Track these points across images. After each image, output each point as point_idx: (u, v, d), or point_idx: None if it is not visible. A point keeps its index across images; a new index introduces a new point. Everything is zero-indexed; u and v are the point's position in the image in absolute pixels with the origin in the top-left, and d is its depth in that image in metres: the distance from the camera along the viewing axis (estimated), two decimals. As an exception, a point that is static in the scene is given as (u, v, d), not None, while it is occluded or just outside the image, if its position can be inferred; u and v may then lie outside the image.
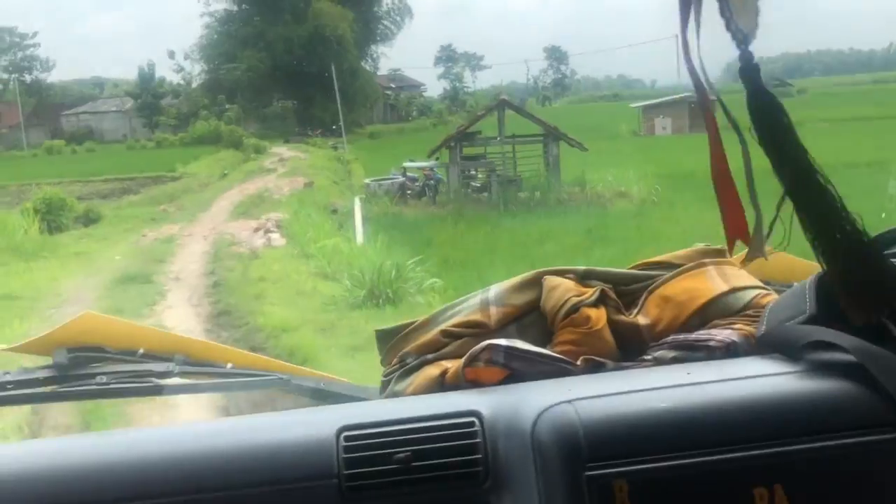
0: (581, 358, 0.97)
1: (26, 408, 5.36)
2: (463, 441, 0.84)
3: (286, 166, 29.56)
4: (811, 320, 0.87)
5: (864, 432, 0.78)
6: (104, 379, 1.18)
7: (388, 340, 1.15)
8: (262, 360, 1.35)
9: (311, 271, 10.52)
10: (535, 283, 1.08)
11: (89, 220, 17.71)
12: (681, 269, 1.09)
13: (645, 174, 19.19)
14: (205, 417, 5.20)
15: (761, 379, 0.84)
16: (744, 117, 0.78)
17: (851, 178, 17.46)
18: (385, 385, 1.12)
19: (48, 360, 1.23)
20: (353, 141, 39.25)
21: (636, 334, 1.04)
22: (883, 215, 11.01)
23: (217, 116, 47.06)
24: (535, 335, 1.04)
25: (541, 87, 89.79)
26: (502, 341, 0.97)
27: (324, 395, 1.22)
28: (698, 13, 0.74)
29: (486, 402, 0.88)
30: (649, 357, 0.99)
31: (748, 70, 0.75)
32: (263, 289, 9.49)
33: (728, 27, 0.73)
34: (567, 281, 1.07)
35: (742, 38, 0.73)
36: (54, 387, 1.20)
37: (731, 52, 0.76)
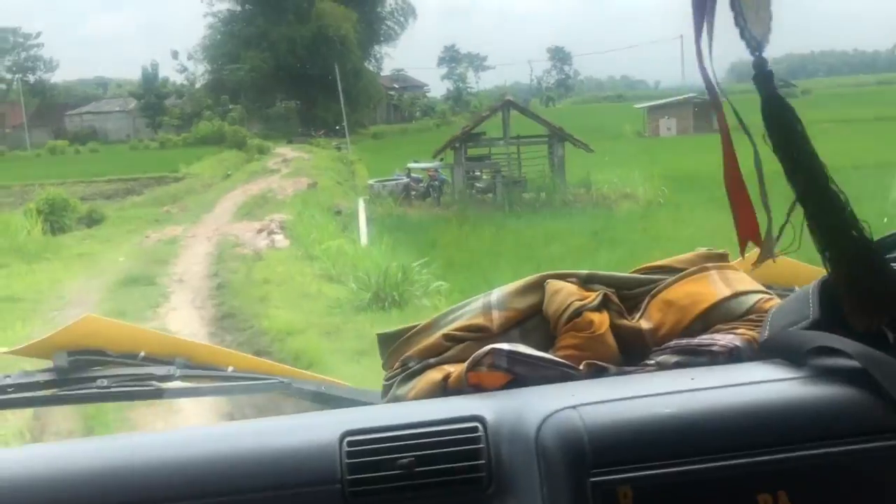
0: (584, 362, 0.97)
1: (27, 412, 5.29)
2: (466, 446, 0.83)
3: (290, 167, 29.52)
4: (814, 325, 0.87)
5: (868, 438, 0.78)
6: (105, 382, 1.18)
7: (390, 344, 1.14)
8: (264, 364, 1.35)
9: (315, 273, 10.44)
10: (538, 286, 1.08)
11: (92, 220, 17.65)
12: (683, 273, 1.09)
13: (651, 175, 19.10)
14: (206, 420, 5.15)
15: (765, 385, 0.84)
16: (749, 118, 0.77)
17: (859, 179, 17.38)
18: (387, 389, 1.11)
19: (49, 364, 1.22)
20: (357, 141, 39.21)
21: (639, 339, 1.04)
22: (885, 220, 10.91)
23: (220, 117, 47.03)
24: (538, 339, 1.04)
25: (544, 88, 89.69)
26: (505, 346, 0.96)
27: (325, 399, 1.22)
28: (711, 21, 0.74)
29: (489, 407, 0.87)
30: (652, 361, 0.99)
31: (762, 76, 0.76)
32: (268, 291, 9.40)
33: (742, 35, 0.73)
34: (570, 285, 1.07)
35: (756, 46, 0.74)
36: (55, 390, 1.19)
37: (736, 53, 0.77)
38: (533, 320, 1.06)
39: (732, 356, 0.94)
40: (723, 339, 0.97)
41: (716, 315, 1.03)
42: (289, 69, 50.39)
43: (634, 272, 1.14)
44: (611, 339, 1.02)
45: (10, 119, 56.28)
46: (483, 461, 0.83)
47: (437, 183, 19.73)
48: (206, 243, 14.24)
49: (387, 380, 1.12)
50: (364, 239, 13.25)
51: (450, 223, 15.79)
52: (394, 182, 20.08)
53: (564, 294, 1.04)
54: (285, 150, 37.63)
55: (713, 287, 1.05)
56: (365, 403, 1.16)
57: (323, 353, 6.75)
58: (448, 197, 19.41)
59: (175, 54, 59.55)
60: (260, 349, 7.12)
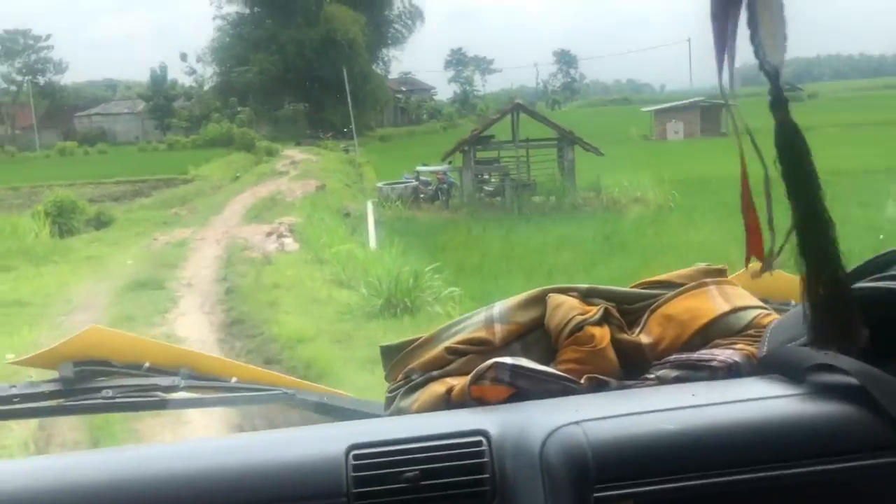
0: (585, 376, 0.98)
1: (32, 424, 5.21)
2: (471, 460, 0.84)
3: (298, 169, 29.49)
4: (840, 347, 0.87)
5: (866, 455, 0.79)
6: (110, 393, 1.18)
7: (393, 356, 1.15)
8: (267, 375, 1.35)
9: (325, 278, 10.32)
10: (540, 300, 1.09)
11: (101, 223, 17.60)
12: (682, 288, 1.10)
13: (661, 179, 18.96)
14: (211, 430, 5.08)
15: (765, 401, 0.84)
16: (753, 122, 0.80)
17: (870, 184, 17.24)
18: (390, 401, 1.12)
19: (54, 374, 1.22)
20: (364, 144, 39.19)
21: (639, 353, 1.05)
22: (881, 237, 10.77)
23: (229, 119, 47.11)
24: (539, 353, 1.05)
25: (550, 91, 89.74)
26: (508, 360, 0.97)
27: (328, 410, 1.23)
28: (733, 50, 0.77)
29: (493, 421, 0.88)
30: (652, 376, 1.00)
31: (778, 103, 0.78)
32: (277, 296, 9.29)
33: (761, 67, 0.76)
34: (571, 299, 1.08)
35: (774, 74, 0.76)
36: (60, 400, 1.20)
37: (740, 58, 0.79)
38: (534, 334, 1.07)
39: (731, 371, 0.95)
40: (722, 354, 0.98)
41: (715, 330, 1.04)
42: (297, 72, 50.44)
43: (634, 286, 1.15)
44: (612, 354, 1.03)
45: (19, 120, 56.55)
46: (487, 475, 0.83)
47: (445, 186, 19.65)
48: (214, 246, 14.15)
49: (390, 392, 1.12)
50: (373, 242, 13.15)
51: (459, 227, 15.68)
52: (402, 185, 20.00)
53: (566, 308, 1.05)
54: (293, 153, 37.67)
55: (712, 302, 1.06)
56: (368, 415, 1.17)
57: (334, 361, 6.61)
58: (457, 200, 19.33)
59: (184, 56, 59.73)
60: (270, 357, 7.01)
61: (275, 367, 6.52)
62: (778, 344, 0.93)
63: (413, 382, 1.08)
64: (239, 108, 49.50)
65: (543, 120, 20.38)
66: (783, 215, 0.84)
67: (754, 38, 0.75)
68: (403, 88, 65.14)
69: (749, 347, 0.99)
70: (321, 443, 0.88)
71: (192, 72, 59.55)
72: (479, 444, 0.85)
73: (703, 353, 0.99)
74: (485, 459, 0.84)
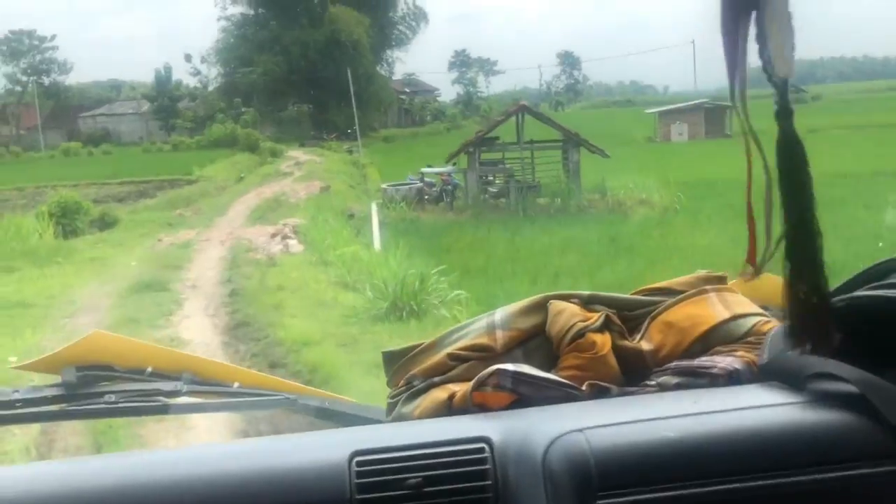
0: (586, 383, 0.98)
1: (34, 429, 5.16)
2: (473, 467, 0.84)
3: (302, 170, 29.45)
4: (813, 350, 0.88)
5: (867, 464, 0.79)
6: (113, 398, 1.18)
7: (395, 362, 1.15)
8: (269, 380, 1.36)
9: (330, 280, 10.26)
10: (541, 307, 1.09)
11: (105, 224, 17.56)
12: (683, 295, 1.10)
13: (666, 181, 18.88)
14: (214, 435, 5.03)
15: (766, 409, 0.85)
16: (757, 122, 0.81)
17: (878, 186, 17.14)
18: (392, 407, 1.11)
19: (57, 379, 1.22)
20: (368, 145, 39.17)
21: (640, 359, 1.05)
22: (880, 244, 10.68)
23: (233, 120, 47.14)
24: (541, 359, 1.05)
25: (553, 93, 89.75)
26: (510, 366, 0.97)
27: (330, 415, 1.23)
28: (744, 64, 0.78)
29: (495, 428, 0.88)
30: (653, 383, 1.00)
31: (784, 113, 0.79)
32: (282, 298, 9.22)
33: (770, 80, 0.77)
34: (572, 306, 1.08)
35: (782, 88, 0.78)
36: (63, 405, 1.20)
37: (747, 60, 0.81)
38: (536, 340, 1.08)
39: (732, 379, 0.96)
40: (722, 361, 0.98)
41: (715, 337, 1.04)
42: (301, 73, 50.44)
43: (635, 293, 1.15)
44: (613, 360, 1.03)
45: (24, 121, 56.67)
46: (490, 482, 0.84)
47: (450, 187, 19.59)
48: (219, 247, 14.10)
49: (391, 397, 1.12)
50: (377, 244, 13.10)
51: (464, 228, 15.62)
52: (407, 186, 19.94)
53: (567, 315, 1.06)
54: (297, 154, 37.66)
55: (712, 309, 1.07)
56: (370, 420, 1.17)
57: (340, 365, 6.54)
58: (461, 202, 19.28)
59: (188, 57, 59.82)
60: (275, 360, 6.94)
61: (279, 371, 6.46)
62: (778, 351, 0.93)
63: (415, 388, 1.08)
64: (243, 109, 49.52)
65: (549, 121, 20.32)
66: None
67: (763, 53, 0.76)
68: (407, 90, 65.13)
69: (749, 355, 0.99)
70: (324, 449, 0.88)
71: (197, 73, 59.70)
72: (481, 450, 0.85)
73: (704, 361, 0.99)
74: (487, 466, 0.84)
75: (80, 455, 4.65)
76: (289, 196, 21.54)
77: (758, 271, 0.86)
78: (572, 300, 1.09)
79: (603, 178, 19.04)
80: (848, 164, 20.72)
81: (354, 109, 37.22)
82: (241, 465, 0.87)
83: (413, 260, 10.31)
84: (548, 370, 1.02)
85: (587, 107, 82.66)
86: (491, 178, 19.90)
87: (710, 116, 38.14)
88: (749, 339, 1.03)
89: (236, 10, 56.21)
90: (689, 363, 1.00)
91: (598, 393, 0.98)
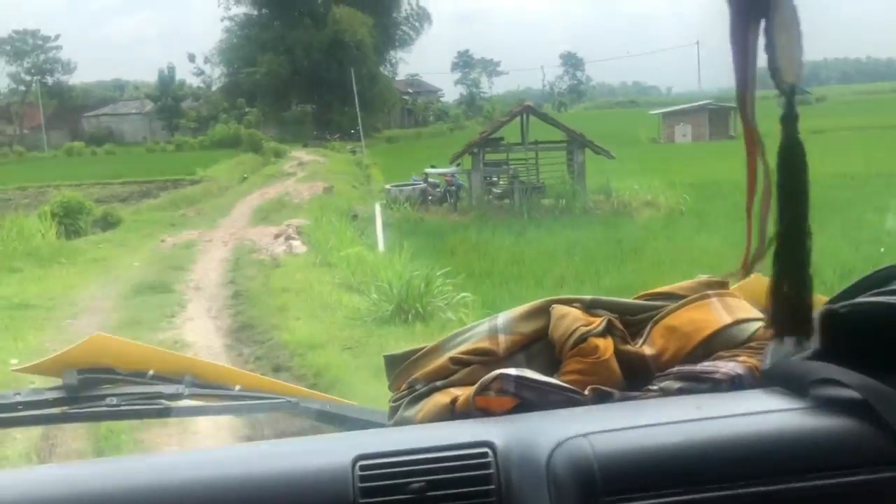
0: (589, 388, 0.98)
1: (35, 434, 5.08)
2: (477, 472, 0.84)
3: (305, 170, 29.39)
4: (816, 355, 0.89)
5: (870, 470, 0.79)
6: (114, 400, 1.18)
7: (397, 366, 1.15)
8: (271, 383, 1.36)
9: (334, 282, 10.16)
10: (543, 311, 1.09)
11: (108, 224, 17.50)
12: (685, 300, 1.10)
13: (672, 183, 18.78)
14: (216, 438, 4.98)
15: (769, 415, 0.85)
16: (761, 123, 0.83)
17: (888, 188, 17.03)
18: (394, 410, 1.11)
19: (58, 382, 1.23)
20: (371, 145, 39.13)
21: (642, 364, 1.05)
22: (882, 250, 10.58)
23: (236, 120, 47.11)
24: (542, 363, 1.06)
25: (556, 93, 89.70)
26: (513, 371, 0.97)
27: (331, 419, 1.23)
28: (754, 72, 0.79)
29: (498, 433, 0.88)
30: (655, 387, 1.00)
31: (789, 119, 0.81)
32: (286, 300, 9.13)
33: (778, 87, 0.78)
34: (575, 310, 1.08)
35: (790, 94, 0.79)
36: (64, 408, 1.20)
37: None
38: (538, 344, 1.08)
39: (734, 384, 0.96)
40: (725, 366, 0.98)
41: (717, 342, 1.04)
42: (305, 73, 50.40)
43: (636, 298, 1.16)
44: (615, 365, 1.03)
45: (28, 120, 56.70)
46: (493, 486, 0.83)
47: (454, 188, 19.52)
48: (222, 248, 14.03)
49: (393, 401, 1.12)
50: (381, 245, 13.01)
51: (468, 229, 15.52)
52: (411, 187, 19.87)
53: (570, 319, 1.06)
54: (301, 154, 37.62)
55: (715, 314, 1.07)
56: (372, 424, 1.17)
57: (345, 369, 6.45)
58: (465, 202, 19.20)
59: (192, 57, 59.91)
60: (279, 364, 6.86)
61: (284, 374, 6.37)
62: (781, 357, 0.94)
63: (417, 392, 1.08)
64: (246, 109, 49.49)
65: (554, 122, 20.23)
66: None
67: (772, 62, 0.77)
68: (410, 90, 65.07)
69: (752, 360, 0.99)
70: (327, 453, 0.88)
71: (200, 72, 59.73)
72: (484, 455, 0.85)
73: (706, 365, 0.99)
74: (491, 471, 0.84)
75: (80, 459, 4.56)
76: (292, 196, 21.47)
77: (748, 271, 0.88)
78: (574, 305, 1.09)
79: (608, 180, 18.95)
80: (854, 166, 20.61)
81: (358, 110, 37.15)
82: (244, 468, 0.86)
83: (418, 261, 10.22)
84: (550, 374, 1.02)
85: (590, 107, 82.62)
86: (495, 178, 19.82)
87: (714, 117, 38.06)
88: (751, 344, 1.03)
89: (240, 10, 56.25)
90: (691, 368, 1.00)
91: (601, 398, 0.98)
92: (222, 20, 57.18)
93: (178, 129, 53.03)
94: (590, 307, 1.10)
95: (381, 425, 1.13)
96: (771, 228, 0.84)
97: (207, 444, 4.97)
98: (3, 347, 7.53)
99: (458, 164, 20.10)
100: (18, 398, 1.20)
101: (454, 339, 1.12)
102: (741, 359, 1.00)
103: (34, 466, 3.49)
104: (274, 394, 1.27)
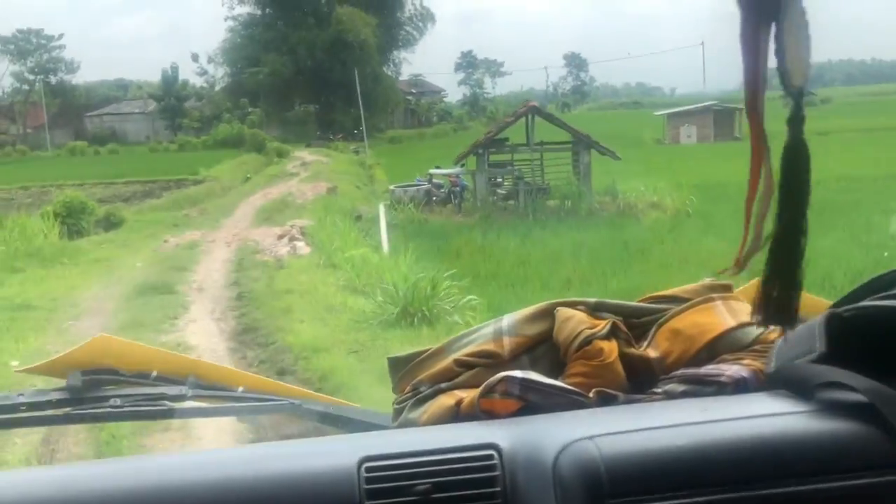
0: (593, 390, 0.98)
1: (35, 440, 4.98)
2: (482, 474, 0.84)
3: (308, 171, 29.29)
4: (821, 359, 0.89)
5: (875, 473, 0.79)
6: (118, 402, 1.18)
7: (401, 368, 1.15)
8: (274, 385, 1.35)
9: (339, 284, 10.06)
10: (548, 314, 1.09)
11: (110, 224, 17.41)
12: (689, 303, 1.10)
13: (678, 184, 18.67)
14: (219, 442, 4.93)
15: (775, 418, 0.85)
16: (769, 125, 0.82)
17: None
18: (398, 412, 1.11)
19: (62, 383, 1.22)
20: (374, 146, 39.04)
21: (646, 367, 1.05)
22: (886, 254, 10.47)
23: (240, 120, 47.05)
24: (547, 366, 1.06)
25: (560, 94, 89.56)
26: (518, 373, 0.97)
27: (334, 420, 1.22)
28: (765, 73, 0.79)
29: (503, 435, 0.88)
30: (659, 390, 1.00)
31: (796, 120, 0.80)
32: (290, 302, 9.02)
33: (786, 89, 0.78)
34: (579, 313, 1.08)
35: (797, 96, 0.79)
36: (67, 409, 1.19)
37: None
38: (542, 347, 1.08)
39: (739, 387, 0.96)
40: (729, 369, 0.98)
41: (722, 345, 1.04)
42: (308, 73, 50.33)
43: (641, 301, 1.15)
44: (619, 368, 1.03)
45: (31, 119, 56.72)
46: (499, 489, 0.83)
47: (458, 189, 19.42)
48: (225, 249, 13.93)
49: (397, 403, 1.12)
50: (385, 246, 12.92)
51: (473, 231, 15.42)
52: (415, 188, 19.76)
53: (575, 322, 1.06)
54: (303, 154, 37.52)
55: (719, 317, 1.07)
56: (375, 426, 1.16)
57: (351, 373, 6.34)
58: (469, 203, 19.09)
59: (195, 57, 59.88)
60: (283, 368, 6.75)
61: (288, 378, 6.26)
62: (786, 360, 0.94)
63: (421, 394, 1.07)
64: (250, 109, 49.45)
65: (559, 123, 20.09)
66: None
67: (781, 65, 0.78)
68: (413, 90, 64.97)
69: (756, 363, 0.99)
70: (333, 455, 0.88)
71: (204, 72, 59.69)
72: (490, 457, 0.85)
73: (711, 369, 0.99)
74: (496, 473, 0.84)
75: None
76: (295, 197, 21.38)
77: (741, 267, 0.88)
78: (579, 307, 1.09)
79: (613, 181, 18.82)
80: (861, 168, 20.49)
81: (361, 110, 37.09)
82: (249, 469, 0.86)
83: (422, 263, 10.12)
84: (554, 377, 1.01)
85: (594, 108, 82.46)
86: (500, 179, 19.71)
87: (719, 119, 37.94)
88: (756, 347, 1.03)
89: (243, 10, 56.19)
90: (695, 371, 1.00)
91: (605, 400, 0.98)
92: (226, 20, 57.35)
93: (181, 128, 52.99)
94: (594, 310, 1.10)
95: (385, 428, 1.13)
96: (768, 227, 0.85)
97: (209, 447, 4.88)
98: (4, 349, 7.44)
99: (463, 165, 19.99)
100: (22, 399, 1.20)
101: (459, 341, 1.12)
102: (745, 362, 1.00)
103: (34, 468, 3.39)
104: (277, 395, 1.27)
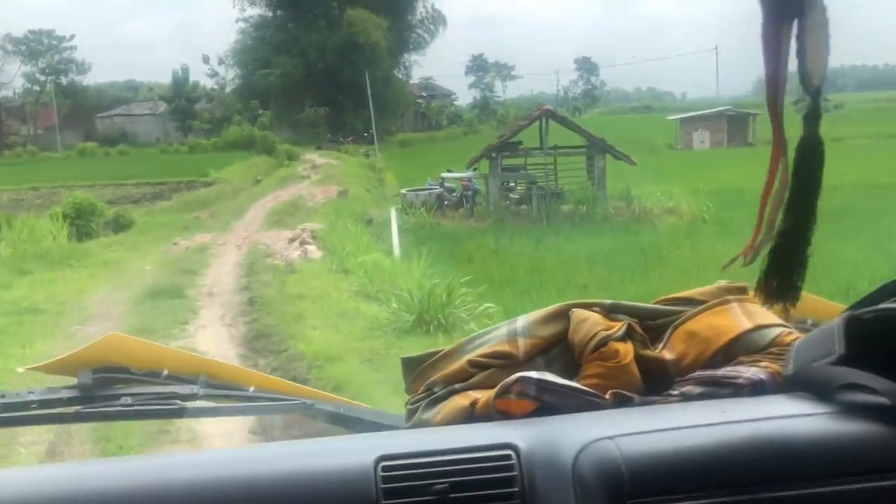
0: (609, 392, 0.98)
1: (40, 450, 4.81)
2: (500, 473, 0.84)
3: (319, 173, 29.16)
4: (841, 361, 0.88)
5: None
6: (129, 400, 1.18)
7: (414, 368, 1.15)
8: (286, 385, 1.35)
9: (351, 289, 9.86)
10: (563, 315, 1.09)
11: (119, 226, 17.30)
12: (705, 305, 1.10)
13: (694, 190, 18.45)
14: (229, 442, 4.79)
15: (796, 419, 0.84)
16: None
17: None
18: (411, 413, 1.10)
19: (73, 381, 1.22)
20: (384, 149, 38.93)
21: (662, 369, 1.04)
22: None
23: (250, 122, 47.03)
24: (561, 367, 1.05)
25: (571, 98, 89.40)
26: (534, 374, 0.97)
27: (346, 421, 1.21)
28: (785, 71, 0.80)
29: (521, 435, 0.87)
30: (676, 392, 1.00)
31: (813, 116, 0.81)
32: (302, 308, 8.82)
33: (806, 89, 0.79)
34: (595, 314, 1.07)
35: (815, 95, 0.80)
36: (78, 407, 1.19)
37: (761, 68, 0.82)
38: (557, 348, 1.07)
39: (756, 389, 0.95)
40: (747, 371, 0.97)
41: (738, 347, 1.03)
42: (318, 75, 50.27)
43: (656, 303, 1.15)
44: (635, 369, 1.02)
45: (42, 120, 56.94)
46: (517, 489, 0.83)
47: (470, 193, 19.22)
48: (236, 252, 13.77)
49: (411, 404, 1.11)
50: (397, 250, 12.74)
51: (486, 236, 15.25)
52: (427, 191, 19.58)
53: (590, 323, 1.05)
54: (314, 157, 37.40)
55: (735, 319, 1.06)
56: (388, 427, 1.16)
57: (366, 383, 6.14)
58: (482, 208, 18.89)
59: (206, 59, 59.92)
60: (296, 376, 6.53)
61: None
62: (804, 362, 0.94)
63: (435, 395, 1.07)
64: (260, 111, 49.46)
65: (574, 127, 19.86)
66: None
67: (802, 65, 0.79)
68: (424, 93, 64.90)
69: (773, 365, 0.98)
70: (350, 453, 0.88)
71: (214, 74, 59.77)
72: (508, 457, 0.85)
73: (728, 371, 0.99)
74: (514, 473, 0.83)
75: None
76: (306, 200, 21.24)
77: (753, 258, 0.89)
78: (594, 309, 1.09)
79: (628, 186, 18.59)
80: (879, 175, 20.19)
81: (371, 113, 36.98)
82: (266, 468, 0.85)
83: (435, 268, 9.92)
84: (569, 378, 1.01)
85: (604, 112, 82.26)
86: (513, 184, 19.51)
87: (733, 124, 37.70)
88: (772, 349, 1.02)
89: (254, 11, 56.20)
90: (712, 373, 1.00)
91: (621, 402, 0.97)
92: (237, 22, 57.24)
93: (191, 130, 53.06)
94: (609, 311, 1.09)
95: (398, 429, 1.12)
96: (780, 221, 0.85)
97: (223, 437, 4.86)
98: (11, 355, 7.29)
99: (475, 169, 19.79)
100: (33, 397, 1.20)
101: (473, 341, 1.11)
102: (763, 364, 0.99)
103: (50, 464, 3.24)
104: (289, 395, 1.26)
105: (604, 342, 1.02)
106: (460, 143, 40.64)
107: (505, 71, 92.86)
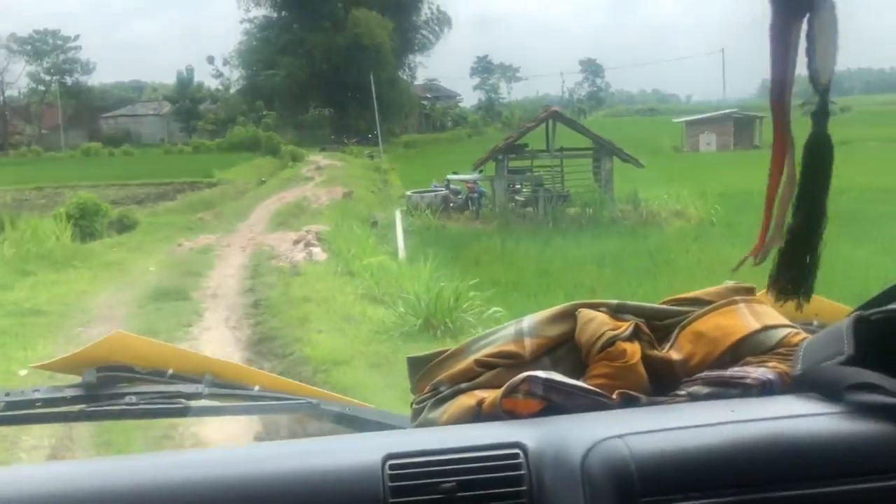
0: (616, 392, 0.98)
1: (43, 453, 4.70)
2: (508, 472, 0.84)
3: (323, 175, 29.10)
4: (849, 361, 0.88)
5: None
6: (133, 399, 1.18)
7: (420, 368, 1.14)
8: (291, 384, 1.34)
9: (357, 292, 9.73)
10: (570, 315, 1.08)
11: (123, 226, 17.21)
12: (712, 305, 1.09)
13: (701, 193, 18.31)
14: (234, 440, 4.75)
15: (805, 419, 0.84)
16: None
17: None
18: (417, 412, 1.09)
19: (78, 379, 1.22)
20: (389, 150, 38.86)
21: (669, 369, 1.04)
22: None
23: (254, 123, 47.01)
24: (568, 367, 1.05)
25: (576, 100, 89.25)
26: (541, 373, 0.97)
27: (352, 421, 1.21)
28: (793, 69, 0.79)
29: (528, 434, 0.87)
30: (683, 392, 1.00)
31: (821, 114, 0.81)
32: (308, 311, 8.71)
33: (815, 87, 0.79)
34: (601, 314, 1.07)
35: (823, 94, 0.79)
36: (83, 406, 1.19)
37: (767, 70, 0.82)
38: (563, 348, 1.07)
39: (765, 389, 0.95)
40: (755, 371, 0.97)
41: (745, 348, 1.03)
42: (323, 76, 50.27)
43: (663, 303, 1.15)
44: (642, 370, 1.02)
45: (46, 120, 57.05)
46: (524, 487, 0.83)
47: (476, 195, 19.11)
48: (240, 254, 13.67)
49: (417, 403, 1.10)
50: (402, 252, 12.62)
51: (492, 238, 15.11)
52: (432, 193, 19.47)
53: (597, 323, 1.05)
54: (318, 158, 37.41)
55: (742, 320, 1.06)
56: (393, 426, 1.15)
57: (373, 389, 6.01)
58: (487, 210, 18.77)
59: (211, 59, 60.05)
60: (302, 381, 6.34)
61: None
62: (812, 362, 0.93)
63: (441, 394, 1.07)
64: (265, 112, 49.45)
65: (581, 129, 19.74)
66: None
67: (811, 63, 0.78)
68: (429, 95, 64.89)
69: (781, 366, 0.98)
70: (357, 452, 0.87)
71: (219, 75, 59.90)
72: (515, 456, 0.84)
73: (736, 371, 0.98)
74: (522, 472, 0.83)
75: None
76: (311, 201, 21.14)
77: (763, 257, 0.88)
78: (601, 309, 1.09)
79: (635, 189, 18.46)
80: (887, 179, 20.01)
81: (376, 114, 36.94)
82: (272, 466, 0.85)
83: (441, 271, 9.80)
84: (576, 378, 1.00)
85: (609, 114, 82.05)
86: (519, 186, 19.38)
87: (740, 126, 37.55)
88: (780, 350, 1.02)
89: (259, 12, 56.33)
90: (720, 373, 0.99)
91: (628, 402, 0.96)
92: (242, 22, 57.32)
93: (195, 131, 53.09)
94: (616, 311, 1.09)
95: (403, 428, 1.11)
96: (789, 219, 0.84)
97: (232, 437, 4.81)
98: (13, 357, 7.18)
99: (481, 171, 19.68)
100: (38, 395, 1.19)
101: (479, 341, 1.11)
102: (771, 365, 0.99)
103: (57, 461, 3.14)
104: (294, 395, 1.26)
105: (611, 342, 1.02)
106: (465, 145, 40.54)
107: (510, 72, 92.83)
